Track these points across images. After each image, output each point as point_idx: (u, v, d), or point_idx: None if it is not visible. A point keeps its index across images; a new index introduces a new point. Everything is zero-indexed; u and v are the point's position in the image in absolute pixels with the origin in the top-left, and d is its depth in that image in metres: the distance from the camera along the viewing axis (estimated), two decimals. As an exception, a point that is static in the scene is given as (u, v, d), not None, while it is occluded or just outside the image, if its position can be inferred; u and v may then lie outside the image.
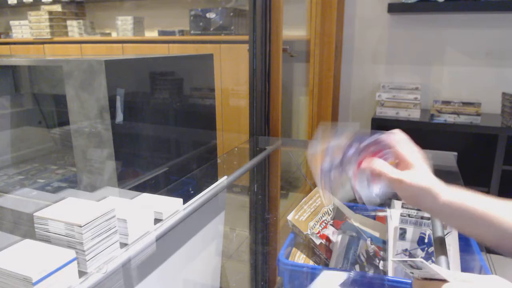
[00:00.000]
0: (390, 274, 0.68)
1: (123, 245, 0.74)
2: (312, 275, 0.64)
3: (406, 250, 0.69)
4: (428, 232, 0.70)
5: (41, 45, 3.34)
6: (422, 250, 0.70)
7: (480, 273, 0.67)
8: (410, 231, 0.70)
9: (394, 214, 0.74)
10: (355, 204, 0.90)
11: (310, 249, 0.75)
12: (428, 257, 0.69)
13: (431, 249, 0.69)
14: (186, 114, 1.28)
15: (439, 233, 0.63)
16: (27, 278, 0.55)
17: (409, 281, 0.63)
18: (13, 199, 1.06)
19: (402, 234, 0.69)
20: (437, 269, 0.48)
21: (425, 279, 0.49)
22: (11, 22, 3.67)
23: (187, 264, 0.86)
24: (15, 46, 3.52)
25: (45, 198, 1.09)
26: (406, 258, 0.53)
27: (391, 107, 2.44)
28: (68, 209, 0.68)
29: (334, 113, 2.72)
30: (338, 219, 0.83)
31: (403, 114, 2.41)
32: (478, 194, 0.56)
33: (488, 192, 2.19)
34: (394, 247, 0.70)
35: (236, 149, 1.72)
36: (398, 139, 0.61)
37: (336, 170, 0.58)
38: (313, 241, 0.75)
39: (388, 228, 0.73)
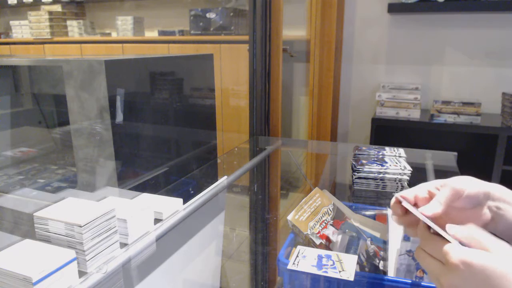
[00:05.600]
0: (390, 274, 0.68)
1: (123, 245, 0.74)
2: (312, 275, 0.64)
3: (410, 251, 0.69)
4: None
5: (41, 45, 3.34)
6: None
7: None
8: None
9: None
10: (355, 204, 0.90)
11: (310, 249, 0.75)
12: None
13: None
14: (186, 114, 1.28)
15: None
16: (27, 278, 0.55)
17: (409, 281, 0.63)
18: (13, 199, 1.06)
19: (407, 235, 0.69)
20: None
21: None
22: (11, 22, 3.67)
23: (187, 264, 0.86)
24: (15, 46, 3.53)
25: (45, 198, 1.09)
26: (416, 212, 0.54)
27: (391, 107, 2.44)
28: (68, 209, 0.68)
29: (334, 113, 2.72)
30: (338, 219, 0.83)
31: (403, 114, 2.41)
32: None
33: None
34: (396, 247, 0.70)
35: (236, 149, 1.72)
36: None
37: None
38: (313, 241, 0.75)
39: (389, 228, 0.73)
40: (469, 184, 0.56)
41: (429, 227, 0.51)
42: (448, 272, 0.45)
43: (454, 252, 0.45)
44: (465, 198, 0.55)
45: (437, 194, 0.56)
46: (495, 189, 0.57)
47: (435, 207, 0.54)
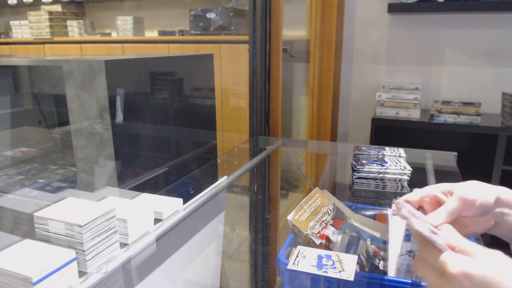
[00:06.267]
0: (391, 274, 0.68)
1: (123, 245, 0.74)
2: (312, 275, 0.64)
3: (410, 251, 0.69)
4: None
5: (41, 45, 3.34)
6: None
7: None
8: None
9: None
10: (355, 204, 0.90)
11: (310, 249, 0.75)
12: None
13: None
14: (186, 114, 1.28)
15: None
16: (27, 278, 0.55)
17: (409, 281, 0.63)
18: (13, 199, 1.06)
19: (408, 235, 0.69)
20: (434, 236, 0.47)
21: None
22: (11, 22, 3.67)
23: (187, 264, 0.86)
24: (15, 46, 3.53)
25: (45, 198, 1.09)
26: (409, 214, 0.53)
27: (391, 107, 2.44)
28: (68, 209, 0.68)
29: (334, 113, 2.72)
30: (338, 219, 0.83)
31: (403, 114, 2.41)
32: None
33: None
34: (396, 247, 0.70)
35: (236, 149, 1.72)
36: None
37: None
38: (313, 241, 0.75)
39: (389, 228, 0.73)
40: (480, 193, 0.55)
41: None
42: (447, 283, 0.45)
43: (452, 263, 0.44)
44: (476, 208, 0.55)
45: (446, 203, 0.55)
46: (502, 193, 0.56)
47: (441, 217, 0.53)
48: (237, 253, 0.95)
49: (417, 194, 0.58)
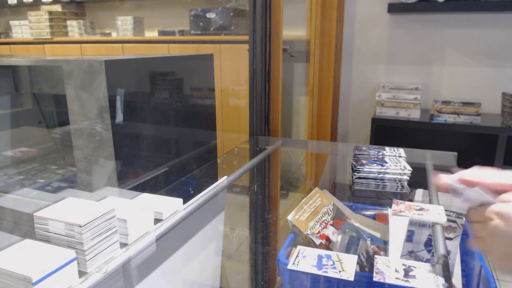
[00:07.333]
0: (390, 274, 0.67)
1: (123, 245, 0.74)
2: (312, 275, 0.64)
3: (412, 251, 0.69)
4: None
5: (41, 45, 3.34)
6: (429, 252, 0.69)
7: (479, 273, 0.67)
8: (419, 233, 0.70)
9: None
10: (355, 204, 0.90)
11: (310, 249, 0.75)
12: (433, 258, 0.69)
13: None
14: (186, 114, 1.28)
15: (441, 251, 0.63)
16: (27, 278, 0.55)
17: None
18: (13, 199, 1.06)
19: (410, 236, 0.69)
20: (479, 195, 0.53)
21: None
22: (11, 22, 3.67)
23: (187, 264, 0.86)
24: (15, 46, 3.52)
25: (45, 198, 1.09)
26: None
27: (391, 107, 2.45)
28: (68, 209, 0.68)
29: (334, 113, 2.72)
30: (338, 219, 0.83)
31: (403, 114, 2.41)
32: None
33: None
34: (397, 248, 0.70)
35: (236, 149, 1.72)
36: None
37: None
38: (313, 241, 0.75)
39: (390, 228, 0.73)
40: None
41: None
42: (486, 225, 0.52)
43: (489, 208, 0.52)
44: None
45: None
46: None
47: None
48: (237, 253, 0.95)
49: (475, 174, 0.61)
